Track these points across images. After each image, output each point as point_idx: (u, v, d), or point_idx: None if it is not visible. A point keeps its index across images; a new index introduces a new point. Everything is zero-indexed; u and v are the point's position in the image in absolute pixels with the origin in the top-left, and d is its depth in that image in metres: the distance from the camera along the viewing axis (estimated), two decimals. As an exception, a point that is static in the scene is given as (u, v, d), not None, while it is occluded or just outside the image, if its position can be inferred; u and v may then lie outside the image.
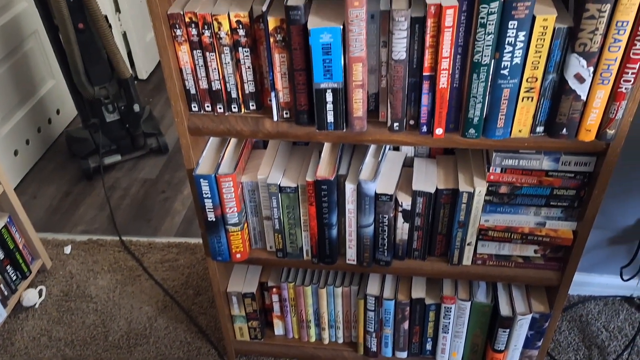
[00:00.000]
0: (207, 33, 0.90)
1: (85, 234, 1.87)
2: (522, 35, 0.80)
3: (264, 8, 0.87)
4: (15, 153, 2.05)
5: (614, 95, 0.84)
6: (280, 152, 1.12)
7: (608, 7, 0.76)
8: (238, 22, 0.89)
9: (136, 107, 2.00)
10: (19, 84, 2.05)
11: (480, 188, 1.00)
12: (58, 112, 2.30)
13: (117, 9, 2.44)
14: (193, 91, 0.97)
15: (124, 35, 2.51)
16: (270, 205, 1.09)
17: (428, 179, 1.05)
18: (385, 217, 1.05)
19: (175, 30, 0.90)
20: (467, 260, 1.11)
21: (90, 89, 1.89)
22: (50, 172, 2.16)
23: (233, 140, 1.11)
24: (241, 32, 0.90)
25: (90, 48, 1.81)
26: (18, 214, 1.58)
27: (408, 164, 1.11)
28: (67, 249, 1.80)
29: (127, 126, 2.05)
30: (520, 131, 0.91)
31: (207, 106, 0.99)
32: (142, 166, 2.16)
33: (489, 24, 0.80)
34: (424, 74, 0.88)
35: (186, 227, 1.88)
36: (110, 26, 1.83)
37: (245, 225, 1.14)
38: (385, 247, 1.10)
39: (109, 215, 1.94)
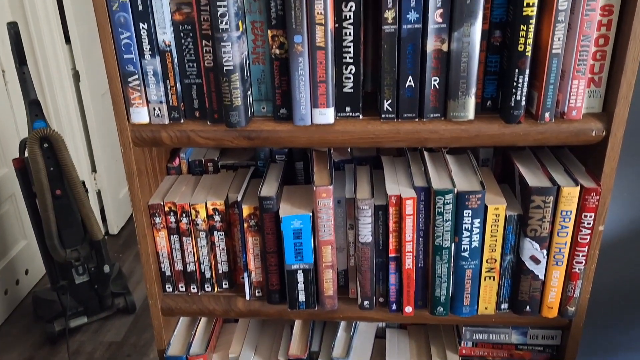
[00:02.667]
0: (184, 220, 0.95)
1: (41, 408, 1.74)
2: (477, 222, 0.87)
3: (239, 198, 0.93)
4: (-25, 318, 1.97)
5: (569, 275, 0.89)
6: (252, 327, 1.12)
7: (551, 198, 0.84)
8: (214, 209, 0.95)
9: (106, 269, 1.99)
10: (-12, 246, 2.04)
11: (453, 363, 1.00)
12: (27, 272, 2.26)
13: (94, 169, 2.53)
14: (168, 273, 0.99)
15: (98, 192, 2.57)
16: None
17: (401, 353, 1.05)
18: (360, 395, 1.03)
19: (154, 218, 0.94)
20: None
21: (62, 252, 1.88)
22: (13, 338, 2.06)
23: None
24: (217, 217, 0.95)
25: (65, 212, 1.85)
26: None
27: (380, 334, 1.12)
28: None
29: (96, 287, 2.02)
30: (486, 308, 0.94)
31: (181, 287, 1.00)
32: (108, 327, 2.09)
33: (446, 213, 0.87)
34: (390, 255, 0.92)
35: (152, 396, 1.78)
36: (86, 190, 1.89)
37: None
38: None
39: (69, 385, 1.82)
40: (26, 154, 1.79)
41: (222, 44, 0.80)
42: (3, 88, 2.04)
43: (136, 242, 0.97)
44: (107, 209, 2.61)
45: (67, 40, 2.25)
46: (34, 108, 1.76)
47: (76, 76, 2.33)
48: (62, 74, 2.25)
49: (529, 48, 0.77)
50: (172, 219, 0.94)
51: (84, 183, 1.87)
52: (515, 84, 0.80)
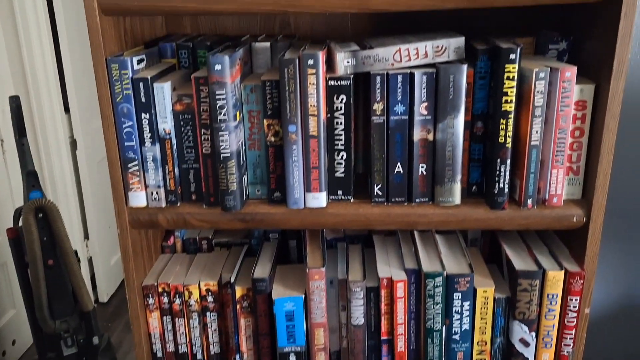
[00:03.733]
0: (177, 301, 0.96)
1: None
2: (467, 305, 0.89)
3: (232, 279, 0.95)
4: (-43, 392, 1.92)
5: (559, 358, 0.90)
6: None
7: (538, 282, 0.86)
8: (207, 290, 0.96)
9: (95, 340, 1.95)
10: (-25, 316, 2.01)
11: None
12: (14, 342, 2.21)
13: (86, 236, 2.53)
14: (160, 354, 0.99)
15: (90, 259, 2.56)
16: None
17: None
18: None
19: (148, 299, 0.95)
20: None
21: (51, 323, 1.86)
22: (-9, 412, 1.99)
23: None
24: (210, 298, 0.96)
25: (56, 283, 1.84)
26: None
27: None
28: None
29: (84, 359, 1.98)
30: (477, 390, 0.94)
31: (172, 368, 1.00)
32: (94, 401, 2.03)
33: (437, 295, 0.88)
34: (382, 337, 0.93)
35: None
36: (79, 260, 1.89)
37: None
38: None
39: None
40: (20, 224, 1.81)
41: (220, 132, 0.84)
42: (1, 157, 2.08)
43: (126, 310, 0.97)
44: (97, 276, 2.59)
45: (67, 109, 2.31)
46: (31, 179, 1.79)
47: (73, 144, 2.37)
48: (60, 143, 2.29)
49: (509, 140, 0.82)
50: (165, 299, 0.95)
51: (76, 252, 1.87)
52: (497, 172, 0.84)
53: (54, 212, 1.77)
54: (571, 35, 0.91)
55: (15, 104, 1.74)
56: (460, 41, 0.84)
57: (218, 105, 0.83)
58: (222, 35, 1.07)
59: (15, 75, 2.12)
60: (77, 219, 2.44)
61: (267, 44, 0.95)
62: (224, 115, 0.83)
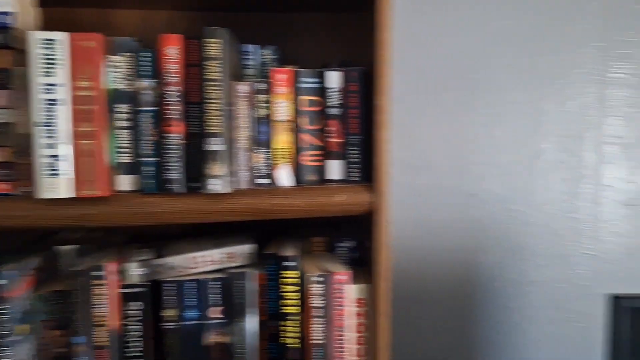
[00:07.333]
0: None
1: None
2: None
3: None
4: None
5: None
6: None
7: None
8: None
9: None
10: None
11: None
12: None
13: None
14: None
15: None
16: None
17: None
18: None
19: None
20: None
21: None
22: None
23: None
24: None
25: None
26: None
27: None
28: None
29: None
30: None
31: None
32: None
33: None
34: None
35: None
36: None
37: None
38: None
39: None
40: None
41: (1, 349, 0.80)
42: None
43: None
44: None
45: None
46: None
47: None
48: None
49: (296, 341, 0.87)
50: None
51: None
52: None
53: None
54: (360, 234, 1.03)
55: None
56: (250, 247, 0.92)
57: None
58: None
59: None
60: None
61: (72, 247, 0.97)
62: (9, 330, 0.80)
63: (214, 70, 0.81)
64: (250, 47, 0.96)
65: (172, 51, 0.82)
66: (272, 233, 1.05)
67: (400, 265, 1.29)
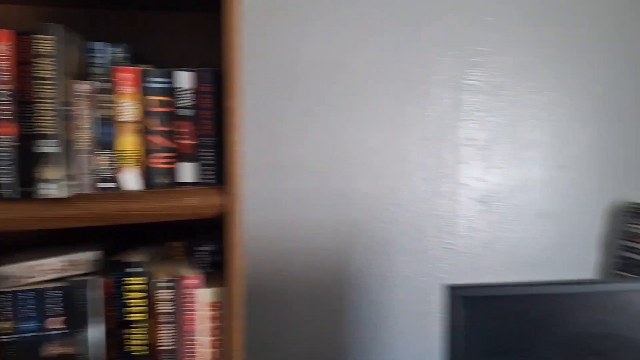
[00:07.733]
0: None
1: None
2: None
3: None
4: None
5: None
6: None
7: None
8: None
9: None
10: None
11: None
12: None
13: None
14: None
15: None
16: None
17: None
18: None
19: None
20: None
21: None
22: None
23: None
24: None
25: None
26: None
27: None
28: None
29: None
30: None
31: None
32: None
33: None
34: None
35: None
36: None
37: None
38: None
39: None
40: None
41: None
42: None
43: None
44: None
45: None
46: None
47: None
48: None
49: (144, 348, 0.85)
50: None
51: None
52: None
53: None
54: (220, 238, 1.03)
55: None
56: (95, 254, 0.88)
57: None
58: None
59: None
60: None
61: None
62: None
63: (46, 68, 0.77)
64: (98, 45, 0.92)
65: (2, 47, 0.77)
66: (133, 240, 1.02)
67: (270, 267, 1.30)
